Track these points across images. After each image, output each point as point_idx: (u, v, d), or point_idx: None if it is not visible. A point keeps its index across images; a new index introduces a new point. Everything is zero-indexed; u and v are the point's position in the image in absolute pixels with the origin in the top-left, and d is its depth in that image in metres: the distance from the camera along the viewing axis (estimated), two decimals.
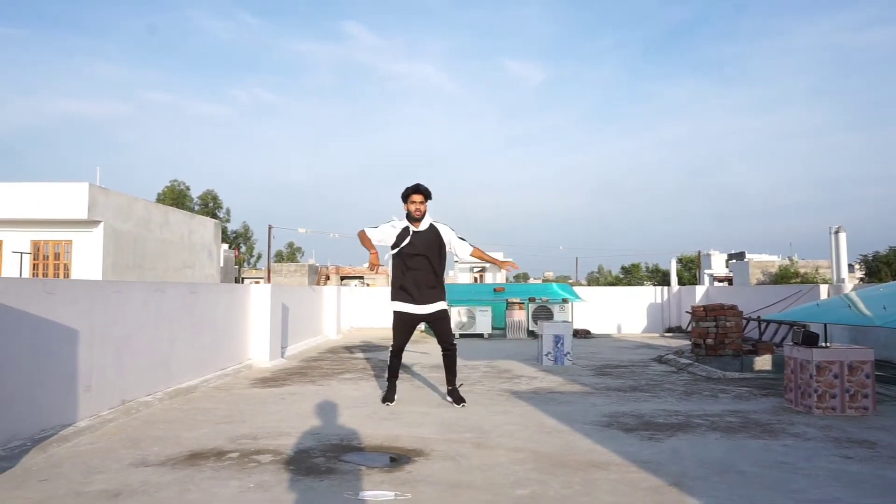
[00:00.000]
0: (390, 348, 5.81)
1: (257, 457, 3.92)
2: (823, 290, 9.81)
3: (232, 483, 3.39)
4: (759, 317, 11.22)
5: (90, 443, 4.23)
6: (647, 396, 6.15)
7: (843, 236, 9.26)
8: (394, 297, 5.69)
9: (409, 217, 5.55)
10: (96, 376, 4.89)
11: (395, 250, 5.62)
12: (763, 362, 8.77)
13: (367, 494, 3.19)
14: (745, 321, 9.90)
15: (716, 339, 9.36)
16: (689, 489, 3.29)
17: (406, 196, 5.51)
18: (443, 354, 5.77)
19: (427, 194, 5.51)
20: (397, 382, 5.87)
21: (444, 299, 5.70)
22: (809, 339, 5.42)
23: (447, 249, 5.68)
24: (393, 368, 5.81)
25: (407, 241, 5.51)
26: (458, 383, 5.83)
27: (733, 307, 9.53)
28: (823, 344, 5.62)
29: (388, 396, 5.72)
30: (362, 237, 5.62)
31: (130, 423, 4.85)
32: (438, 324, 5.75)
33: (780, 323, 10.89)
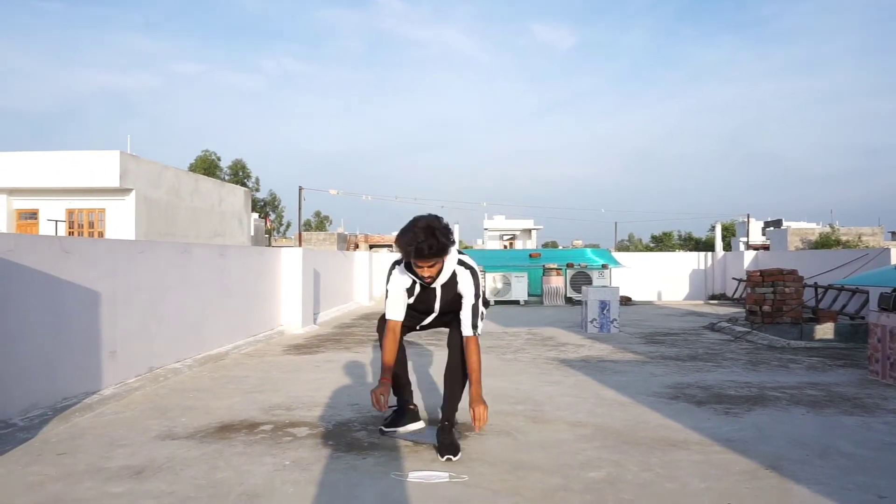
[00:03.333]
0: (382, 318, 3.50)
1: (292, 430, 3.56)
2: (894, 253, 9.08)
3: (266, 460, 3.03)
4: (815, 283, 10.55)
5: (115, 412, 3.93)
6: (711, 366, 5.65)
7: None
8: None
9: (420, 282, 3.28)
10: (121, 342, 4.59)
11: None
12: (825, 331, 8.17)
13: (418, 475, 2.80)
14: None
15: (773, 305, 8.78)
16: (792, 474, 2.82)
17: (406, 254, 3.06)
18: (448, 357, 3.39)
19: (442, 252, 3.03)
20: (410, 402, 3.53)
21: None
22: None
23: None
24: (387, 354, 3.31)
25: (413, 298, 3.37)
26: (454, 417, 3.34)
27: (793, 272, 8.91)
28: None
29: (391, 420, 3.46)
30: (383, 345, 3.36)
31: (158, 391, 4.55)
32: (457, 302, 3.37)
33: (840, 289, 10.22)
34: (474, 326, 3.23)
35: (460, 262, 3.26)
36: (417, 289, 3.30)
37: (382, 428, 3.42)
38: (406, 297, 3.33)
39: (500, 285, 13.68)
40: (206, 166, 45.17)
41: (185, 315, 5.61)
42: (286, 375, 5.20)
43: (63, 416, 3.71)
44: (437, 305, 3.35)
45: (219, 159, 47.70)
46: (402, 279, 3.29)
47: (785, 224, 45.02)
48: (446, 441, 3.12)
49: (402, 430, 3.38)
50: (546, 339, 7.56)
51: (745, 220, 43.83)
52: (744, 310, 10.22)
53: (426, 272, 3.10)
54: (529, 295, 14.03)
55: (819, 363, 5.84)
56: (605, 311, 8.28)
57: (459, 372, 3.30)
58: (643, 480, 2.75)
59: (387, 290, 3.36)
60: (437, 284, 3.25)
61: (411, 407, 3.48)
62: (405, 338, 3.50)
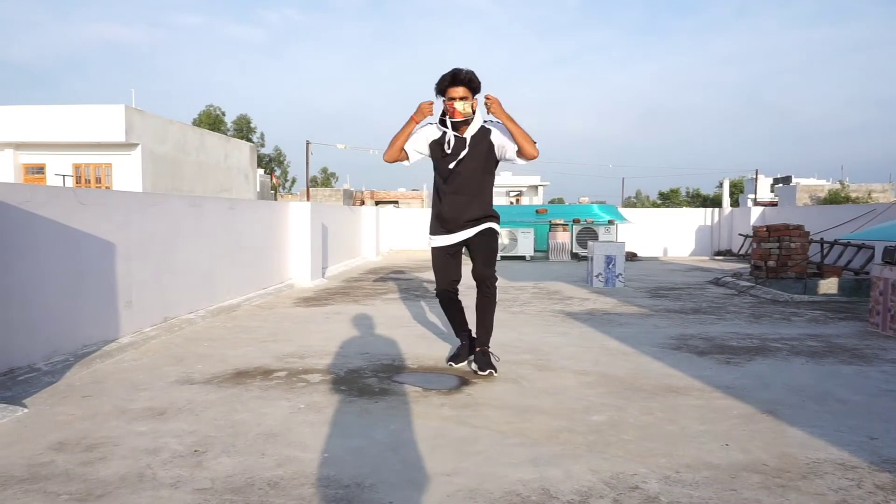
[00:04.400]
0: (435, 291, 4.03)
1: (306, 376, 3.69)
2: None
3: (281, 403, 3.16)
4: (821, 238, 10.57)
5: (133, 359, 4.07)
6: (713, 319, 5.74)
7: None
8: (431, 231, 3.91)
9: (449, 120, 3.63)
10: (137, 292, 4.71)
11: (435, 167, 3.86)
12: (828, 285, 8.24)
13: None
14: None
15: (778, 261, 8.83)
16: (788, 418, 2.93)
17: (442, 89, 3.58)
18: (477, 294, 3.86)
19: (471, 84, 3.55)
20: (468, 339, 4.04)
21: (492, 222, 3.82)
22: None
23: (498, 157, 3.75)
24: (450, 315, 4.04)
25: (449, 152, 3.67)
26: (489, 345, 3.86)
27: (799, 227, 8.92)
28: None
29: (454, 356, 4.05)
30: (392, 146, 3.70)
31: (173, 340, 4.69)
32: (479, 244, 3.80)
33: (846, 244, 10.24)
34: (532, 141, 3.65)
35: (491, 122, 3.72)
36: (452, 139, 3.64)
37: (451, 363, 3.99)
38: (422, 146, 3.74)
39: (506, 241, 13.74)
40: (211, 121, 44.84)
41: (198, 267, 5.72)
42: (297, 326, 5.33)
43: (84, 362, 3.84)
44: (465, 152, 3.64)
45: (223, 114, 47.31)
46: (431, 130, 3.72)
47: (794, 181, 44.59)
48: (484, 361, 3.77)
49: (459, 365, 3.97)
50: (552, 293, 7.66)
51: (754, 176, 43.39)
52: (749, 265, 10.28)
53: (458, 104, 3.53)
54: (536, 251, 14.11)
55: (821, 316, 5.93)
56: (610, 266, 8.36)
57: (488, 304, 3.83)
58: (644, 423, 2.87)
59: (423, 129, 3.74)
60: (468, 135, 3.65)
61: (467, 344, 4.04)
62: (460, 297, 4.02)
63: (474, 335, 3.96)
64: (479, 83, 3.60)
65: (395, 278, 9.50)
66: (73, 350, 3.98)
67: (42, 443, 2.60)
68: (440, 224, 3.82)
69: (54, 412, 2.99)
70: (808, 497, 2.11)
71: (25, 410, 2.99)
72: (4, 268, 3.42)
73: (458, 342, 4.16)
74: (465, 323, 4.05)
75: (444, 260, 3.88)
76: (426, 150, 3.76)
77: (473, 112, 3.61)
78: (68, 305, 3.97)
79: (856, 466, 2.37)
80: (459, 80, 3.51)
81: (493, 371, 3.71)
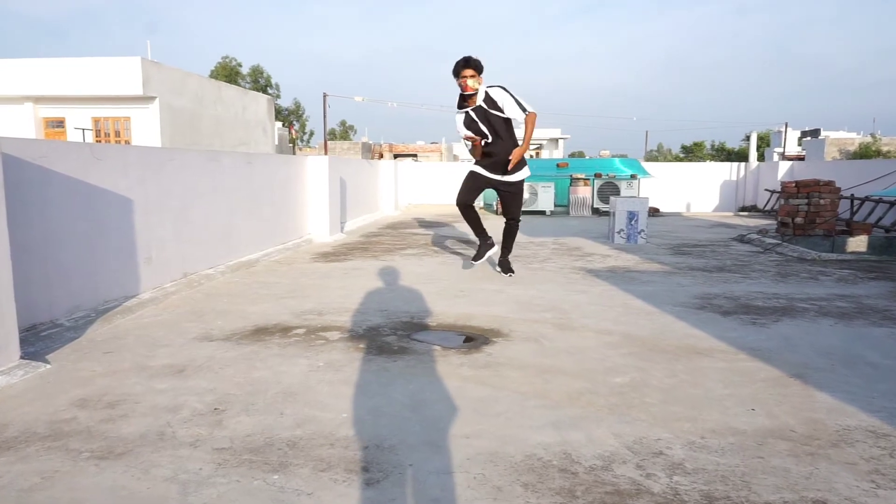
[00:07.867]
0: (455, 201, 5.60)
1: (324, 333, 3.68)
2: None
3: (300, 361, 3.15)
4: (851, 195, 10.25)
5: (154, 315, 4.09)
6: (738, 277, 5.62)
7: None
8: (475, 164, 5.51)
9: (462, 96, 5.21)
10: (156, 248, 4.70)
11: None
12: (857, 243, 8.04)
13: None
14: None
15: (806, 217, 8.60)
16: (816, 382, 2.85)
17: (456, 72, 5.09)
18: (505, 224, 5.64)
19: (477, 67, 5.06)
20: (487, 239, 5.61)
21: (523, 168, 5.47)
22: None
23: (500, 107, 5.14)
24: (472, 222, 5.56)
25: (474, 124, 5.25)
26: (508, 253, 5.72)
27: (830, 183, 8.64)
28: None
29: (475, 255, 5.68)
30: (473, 150, 5.37)
31: (193, 295, 4.70)
32: (510, 196, 5.56)
33: (877, 201, 9.93)
34: (524, 109, 5.08)
35: (490, 87, 5.17)
36: (474, 115, 5.18)
37: (472, 262, 5.72)
38: (466, 130, 5.29)
39: (526, 195, 13.54)
40: (227, 73, 44.41)
41: (216, 223, 5.70)
42: (316, 282, 5.32)
43: (106, 318, 3.87)
44: (483, 125, 5.20)
45: (240, 65, 46.79)
46: (460, 116, 5.29)
47: (823, 134, 43.26)
48: (507, 266, 5.61)
49: (480, 259, 5.62)
50: (572, 250, 7.56)
51: (782, 129, 42.05)
52: (775, 222, 10.05)
53: (469, 81, 5.03)
54: (556, 205, 13.91)
55: (850, 275, 5.77)
56: (632, 222, 8.20)
57: (513, 232, 5.62)
58: (667, 385, 2.81)
59: (458, 130, 5.43)
60: (480, 101, 5.13)
61: (488, 242, 5.61)
62: (477, 207, 5.79)
63: (502, 254, 5.67)
64: (474, 60, 5.06)
65: (412, 233, 9.44)
66: (94, 306, 4.00)
67: (64, 399, 2.62)
68: (481, 164, 5.37)
69: (76, 368, 3.02)
70: (840, 466, 2.06)
71: (48, 366, 3.02)
72: (23, 224, 3.41)
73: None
74: (483, 228, 5.62)
75: (474, 183, 5.43)
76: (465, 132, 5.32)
77: (478, 86, 5.11)
78: (89, 261, 3.97)
79: (888, 434, 2.30)
80: (468, 65, 5.02)
81: (512, 272, 5.54)
